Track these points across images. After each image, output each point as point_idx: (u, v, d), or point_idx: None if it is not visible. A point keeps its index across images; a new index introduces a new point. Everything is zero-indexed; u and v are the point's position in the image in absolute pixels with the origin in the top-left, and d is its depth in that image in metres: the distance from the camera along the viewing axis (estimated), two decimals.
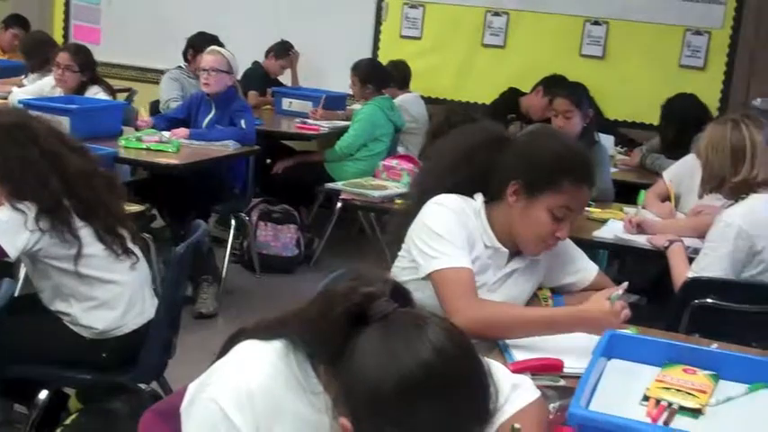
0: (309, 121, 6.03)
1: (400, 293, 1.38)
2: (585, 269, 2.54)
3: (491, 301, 2.28)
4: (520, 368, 1.99)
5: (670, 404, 1.68)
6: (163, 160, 4.47)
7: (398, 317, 1.31)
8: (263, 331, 1.44)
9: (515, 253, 2.37)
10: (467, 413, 1.28)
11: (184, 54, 5.92)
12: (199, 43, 5.59)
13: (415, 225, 2.33)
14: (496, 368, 1.67)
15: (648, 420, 1.63)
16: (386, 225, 5.40)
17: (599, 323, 2.06)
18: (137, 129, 4.94)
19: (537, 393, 1.70)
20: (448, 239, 2.23)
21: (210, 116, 5.03)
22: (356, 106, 5.97)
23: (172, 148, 4.59)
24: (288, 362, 1.40)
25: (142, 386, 2.94)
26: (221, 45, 5.32)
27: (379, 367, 1.26)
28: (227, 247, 5.06)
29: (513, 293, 2.38)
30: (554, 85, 5.27)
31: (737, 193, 3.06)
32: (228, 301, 4.76)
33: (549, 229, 2.27)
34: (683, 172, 4.11)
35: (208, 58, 4.98)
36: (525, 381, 1.73)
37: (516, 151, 2.31)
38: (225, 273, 4.96)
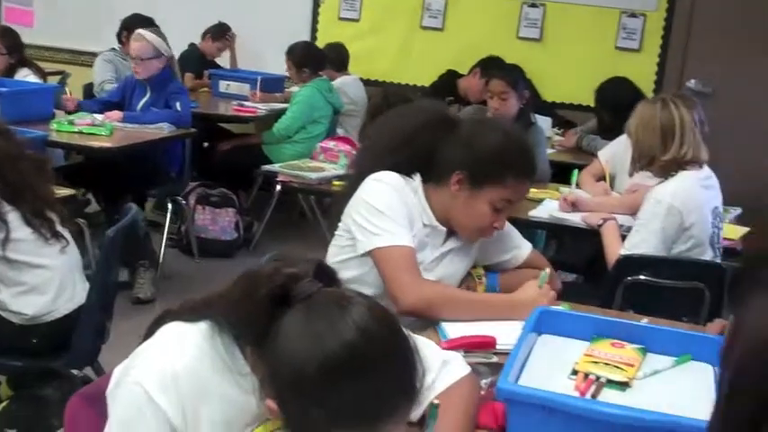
0: (247, 103, 5.97)
1: (325, 273, 1.37)
2: (519, 247, 2.55)
3: (434, 281, 2.29)
4: (453, 345, 2.00)
5: (598, 378, 1.70)
6: (95, 143, 4.40)
7: (322, 297, 1.30)
8: (189, 313, 1.43)
9: (451, 232, 2.37)
10: (393, 391, 1.27)
11: (118, 36, 5.83)
12: (133, 25, 5.48)
13: (353, 201, 2.30)
14: (426, 345, 1.67)
15: (576, 394, 1.64)
16: (327, 208, 5.42)
17: (530, 309, 2.09)
18: (66, 111, 4.84)
19: (467, 369, 1.71)
20: (389, 216, 2.22)
21: (145, 99, 4.95)
22: (294, 89, 5.93)
23: (105, 131, 4.51)
24: (214, 343, 1.38)
25: (75, 372, 2.90)
26: (156, 27, 5.23)
27: (303, 349, 1.25)
28: (164, 232, 5.00)
29: (449, 272, 2.39)
30: (491, 66, 5.28)
31: (667, 170, 3.11)
32: (166, 286, 4.70)
33: (489, 221, 2.29)
34: (618, 152, 4.16)
35: (134, 46, 4.88)
36: (455, 357, 1.74)
37: (462, 141, 2.29)
38: (162, 257, 4.91)
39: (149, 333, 1.45)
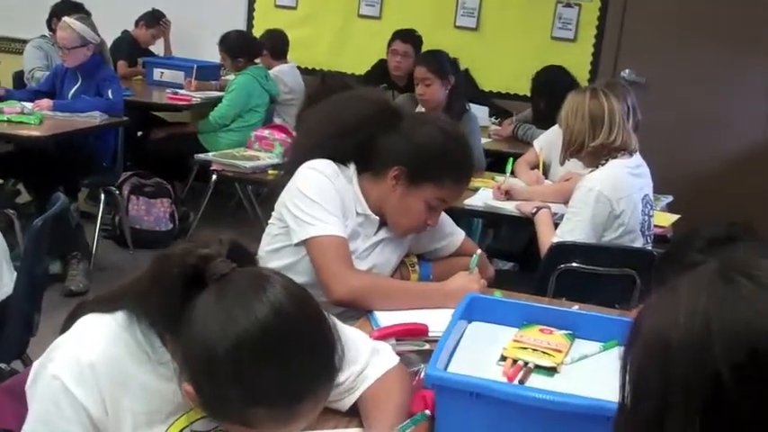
0: (182, 91, 5.90)
1: (239, 253, 1.35)
2: (452, 234, 2.55)
3: (366, 272, 2.29)
4: (384, 334, 1.99)
5: (526, 363, 1.71)
6: (24, 132, 4.30)
7: (236, 277, 1.29)
8: (104, 303, 1.40)
9: (384, 222, 2.37)
10: (310, 370, 1.27)
11: (48, 23, 5.70)
12: (62, 11, 5.36)
13: (287, 190, 2.28)
14: (354, 333, 1.67)
15: (504, 380, 1.65)
16: (263, 198, 5.38)
17: (461, 296, 2.09)
18: None
19: (396, 359, 1.71)
20: (322, 205, 2.20)
21: (76, 87, 4.86)
22: (230, 77, 5.86)
23: (34, 119, 4.42)
24: (131, 331, 1.36)
25: (2, 365, 2.83)
26: (86, 13, 5.12)
27: (215, 330, 1.24)
28: (97, 223, 4.92)
29: (381, 261, 2.38)
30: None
31: (596, 157, 3.15)
32: (100, 277, 4.62)
33: (423, 218, 2.30)
34: (552, 140, 4.19)
35: (60, 35, 4.80)
36: (385, 347, 1.74)
37: (403, 137, 2.28)
38: (95, 249, 4.82)
39: (66, 327, 1.42)
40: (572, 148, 3.17)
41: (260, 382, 1.23)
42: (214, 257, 1.30)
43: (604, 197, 3.05)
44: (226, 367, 1.23)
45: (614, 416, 0.97)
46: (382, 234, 2.37)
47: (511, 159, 4.03)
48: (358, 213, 2.31)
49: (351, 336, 1.60)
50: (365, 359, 1.65)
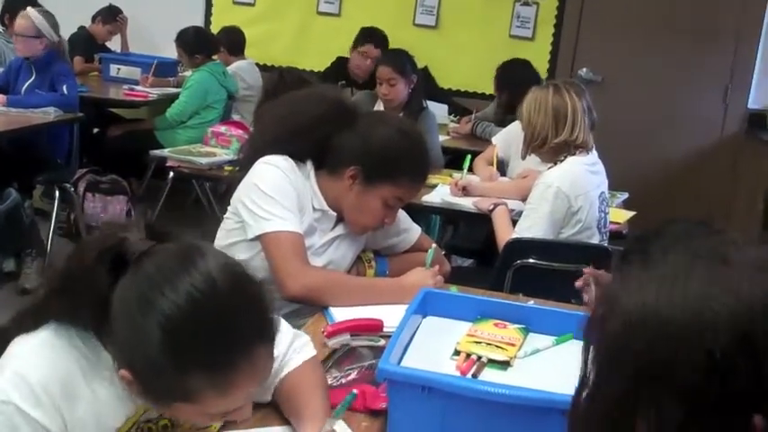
0: (138, 87, 5.85)
1: (159, 234, 1.33)
2: (408, 230, 2.55)
3: (321, 268, 2.28)
4: (339, 329, 1.99)
5: (479, 357, 1.71)
6: None
7: (158, 252, 1.27)
8: (27, 322, 1.34)
9: (341, 218, 2.36)
10: (244, 336, 1.26)
11: (1, 17, 5.61)
12: (15, 6, 5.30)
13: (243, 184, 2.27)
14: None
15: (458, 374, 1.65)
16: (221, 195, 5.33)
17: (417, 290, 2.10)
18: None
19: (314, 351, 1.71)
20: (279, 201, 2.19)
21: (30, 81, 4.79)
22: (188, 73, 5.81)
23: None
24: (71, 341, 1.32)
25: None
26: (40, 7, 5.05)
27: (139, 301, 1.22)
28: (52, 220, 4.84)
29: (338, 257, 2.37)
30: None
31: (557, 153, 3.16)
32: None
33: (380, 216, 2.30)
34: (511, 138, 4.21)
35: (18, 22, 4.80)
36: (304, 336, 1.74)
37: (360, 136, 2.27)
38: (50, 246, 4.74)
39: None
40: (534, 143, 3.18)
41: (191, 347, 1.22)
42: (129, 239, 1.28)
43: (563, 194, 3.07)
44: (154, 340, 1.21)
45: (573, 397, 0.94)
46: (339, 230, 2.36)
47: (469, 156, 4.04)
48: (315, 209, 2.30)
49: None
50: (286, 344, 1.64)
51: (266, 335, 1.31)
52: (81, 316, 1.30)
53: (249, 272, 1.32)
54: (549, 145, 3.15)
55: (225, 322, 1.23)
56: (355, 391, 1.46)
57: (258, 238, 2.20)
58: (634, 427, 0.85)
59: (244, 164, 2.38)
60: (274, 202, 2.19)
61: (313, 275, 2.19)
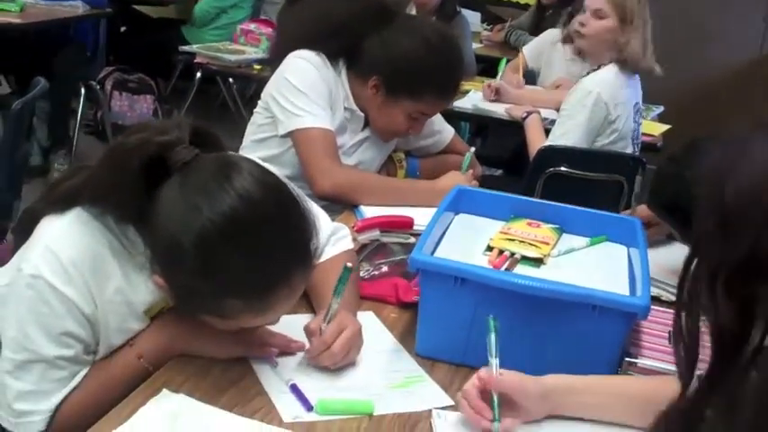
0: None
1: (203, 137, 1.29)
2: (441, 131, 2.51)
3: (352, 167, 2.25)
4: (368, 224, 1.97)
5: (512, 254, 1.68)
6: (4, 19, 4.17)
7: (200, 164, 1.23)
8: (57, 204, 1.32)
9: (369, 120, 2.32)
10: (282, 258, 1.22)
11: None
12: None
13: (274, 78, 2.22)
14: (317, 210, 1.63)
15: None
16: (249, 97, 5.28)
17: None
18: None
19: (352, 245, 1.71)
20: (310, 97, 2.15)
21: None
22: None
23: (14, 7, 4.31)
24: (105, 222, 1.29)
25: None
26: None
27: (179, 222, 1.19)
28: (77, 117, 4.83)
29: (368, 157, 2.34)
30: None
31: (606, 50, 3.06)
32: None
33: (404, 127, 2.25)
34: (542, 47, 4.15)
35: None
36: (345, 230, 1.72)
37: (384, 45, 2.18)
38: (76, 143, 4.76)
39: (20, 236, 1.36)
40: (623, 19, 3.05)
41: (229, 273, 1.19)
42: (175, 144, 1.23)
43: (602, 101, 2.99)
44: (192, 260, 1.19)
45: (681, 273, 0.89)
46: (369, 131, 2.32)
47: (504, 59, 3.97)
48: (345, 108, 2.25)
49: (316, 213, 1.56)
50: (325, 237, 1.63)
51: (305, 259, 1.28)
52: (115, 211, 1.27)
53: (290, 191, 1.28)
54: (616, 35, 3.03)
55: (262, 246, 1.20)
56: (350, 264, 1.42)
57: (289, 134, 2.17)
58: (752, 295, 0.81)
59: (273, 61, 2.33)
60: (306, 98, 2.15)
61: (344, 173, 2.15)
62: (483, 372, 1.26)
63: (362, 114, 2.28)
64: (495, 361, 1.26)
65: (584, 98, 3.00)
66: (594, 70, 3.10)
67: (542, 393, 1.28)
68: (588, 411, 1.31)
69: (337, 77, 2.23)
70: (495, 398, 1.24)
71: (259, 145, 2.26)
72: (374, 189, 2.19)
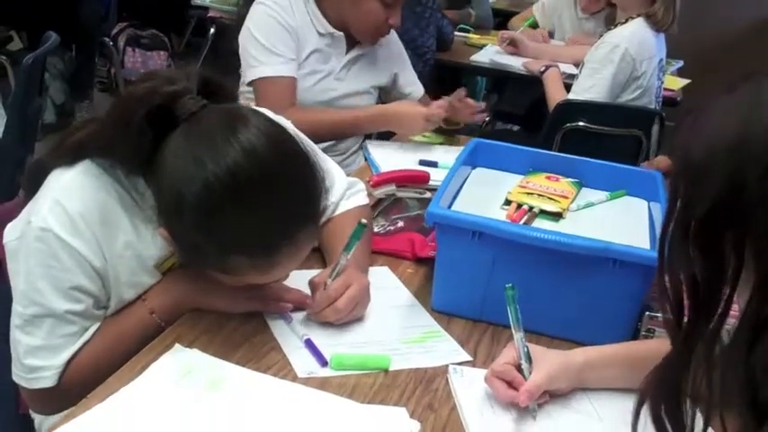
0: None
1: (211, 87, 1.24)
2: (415, 84, 2.57)
3: (302, 106, 2.26)
4: (385, 179, 1.94)
5: (531, 208, 1.65)
6: None
7: (207, 116, 1.19)
8: (65, 157, 1.28)
9: (354, 42, 2.37)
10: (287, 216, 1.19)
11: None
12: None
13: (243, 28, 2.30)
14: (332, 166, 1.61)
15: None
16: None
17: (403, 122, 2.24)
18: None
19: (367, 200, 1.69)
20: (267, 46, 2.22)
21: None
22: None
23: None
24: (114, 175, 1.26)
25: None
26: None
27: (183, 174, 1.15)
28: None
29: (360, 79, 2.40)
30: None
31: (631, 9, 3.00)
32: None
33: (382, 18, 2.27)
34: (555, 4, 4.08)
35: None
36: (360, 186, 1.70)
37: None
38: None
39: (30, 188, 1.32)
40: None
41: (231, 229, 1.16)
42: (182, 94, 1.19)
43: (630, 56, 2.92)
44: (195, 214, 1.15)
45: (662, 225, 0.92)
46: (354, 52, 2.38)
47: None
48: (321, 34, 2.30)
49: (329, 168, 1.53)
50: (340, 192, 1.61)
51: (311, 217, 1.24)
52: (122, 163, 1.24)
53: (299, 146, 1.23)
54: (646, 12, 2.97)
55: (266, 203, 1.16)
56: (364, 220, 1.40)
57: (251, 83, 2.25)
58: (719, 245, 0.84)
59: (247, 6, 2.36)
60: (260, 46, 2.23)
61: (293, 117, 2.13)
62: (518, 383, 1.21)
63: (341, 34, 2.32)
64: (518, 335, 1.22)
65: (611, 52, 2.93)
66: (622, 23, 3.02)
67: (572, 379, 1.25)
68: (614, 383, 1.27)
69: (305, 6, 2.28)
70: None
71: (242, 96, 2.32)
72: (319, 126, 2.15)
